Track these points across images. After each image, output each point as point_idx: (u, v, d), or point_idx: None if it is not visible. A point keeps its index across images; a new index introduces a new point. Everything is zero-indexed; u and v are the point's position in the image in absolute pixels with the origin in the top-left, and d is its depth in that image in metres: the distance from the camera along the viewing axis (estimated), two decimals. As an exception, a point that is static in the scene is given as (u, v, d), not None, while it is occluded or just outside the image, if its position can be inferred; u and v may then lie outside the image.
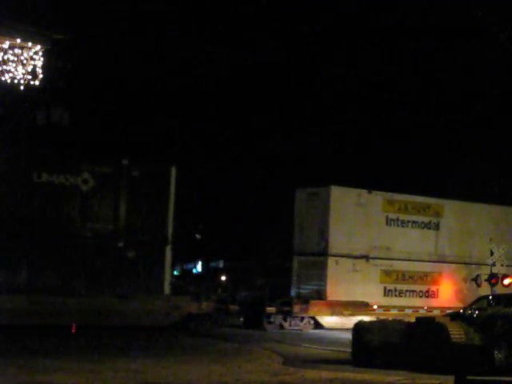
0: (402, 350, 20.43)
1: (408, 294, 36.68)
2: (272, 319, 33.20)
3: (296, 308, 33.35)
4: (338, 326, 33.00)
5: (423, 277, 37.18)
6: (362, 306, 34.28)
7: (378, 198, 36.08)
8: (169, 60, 43.36)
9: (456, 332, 19.96)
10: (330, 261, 34.47)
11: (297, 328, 33.13)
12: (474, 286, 36.13)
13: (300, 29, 45.03)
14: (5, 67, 18.80)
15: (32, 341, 24.27)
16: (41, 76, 19.22)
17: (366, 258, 35.34)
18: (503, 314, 20.74)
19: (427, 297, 37.19)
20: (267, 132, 47.36)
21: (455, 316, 22.14)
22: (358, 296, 34.47)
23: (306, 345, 26.94)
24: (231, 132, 47.76)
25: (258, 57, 45.35)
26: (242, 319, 34.50)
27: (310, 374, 19.18)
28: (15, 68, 18.86)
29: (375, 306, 34.54)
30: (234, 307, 33.96)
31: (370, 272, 35.49)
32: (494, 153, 45.66)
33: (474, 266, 37.65)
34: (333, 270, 34.45)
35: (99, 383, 16.83)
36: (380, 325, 22.02)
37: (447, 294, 37.53)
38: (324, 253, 34.60)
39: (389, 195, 36.60)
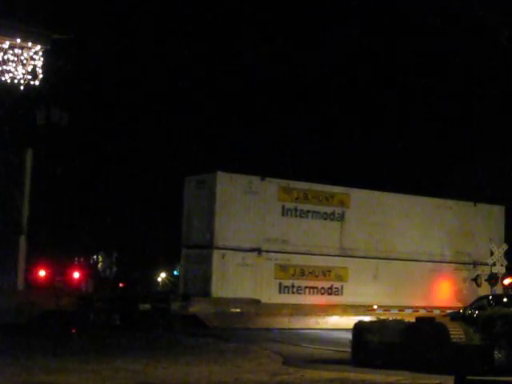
0: (402, 350, 20.43)
1: (308, 290, 34.05)
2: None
3: (174, 305, 30.63)
4: (225, 326, 30.52)
5: (326, 272, 34.58)
6: (253, 304, 31.85)
7: (272, 186, 33.28)
8: (168, 60, 43.38)
9: (456, 332, 19.95)
10: (216, 254, 31.77)
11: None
12: (474, 285, 36.31)
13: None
14: (5, 67, 18.81)
15: (32, 341, 24.28)
16: (41, 76, 19.22)
17: (259, 251, 32.71)
18: (503, 313, 20.72)
19: (330, 294, 34.61)
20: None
21: (455, 316, 22.14)
22: (249, 293, 31.99)
23: (306, 345, 26.93)
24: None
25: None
26: (117, 318, 30.94)
27: (310, 374, 19.17)
28: (15, 68, 18.87)
29: (375, 306, 34.45)
30: (100, 304, 30.52)
31: (263, 267, 32.80)
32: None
33: (383, 261, 36.05)
34: (219, 264, 31.75)
35: (99, 383, 16.83)
36: (380, 325, 22.00)
37: (354, 290, 34.98)
38: (209, 245, 31.89)
39: (285, 183, 33.82)
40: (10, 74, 18.86)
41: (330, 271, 34.67)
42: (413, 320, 22.30)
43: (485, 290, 35.12)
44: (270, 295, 32.78)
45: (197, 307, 30.99)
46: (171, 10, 43.84)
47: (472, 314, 21.60)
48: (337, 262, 35.01)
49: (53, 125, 39.34)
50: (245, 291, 32.01)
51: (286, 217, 33.71)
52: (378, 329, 21.50)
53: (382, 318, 28.05)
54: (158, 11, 43.01)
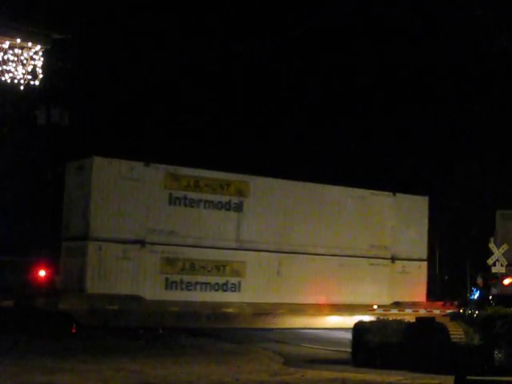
0: (402, 350, 20.44)
1: (199, 286, 31.28)
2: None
3: (39, 302, 28.28)
4: (101, 324, 28.23)
5: (220, 267, 31.76)
6: (134, 300, 29.39)
7: (158, 172, 30.63)
8: (168, 59, 43.36)
9: (456, 332, 19.96)
10: (91, 246, 29.07)
11: None
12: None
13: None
14: (5, 67, 18.81)
15: (33, 341, 24.28)
16: (41, 76, 19.22)
17: (142, 243, 29.97)
18: (503, 314, 20.73)
19: (225, 290, 31.79)
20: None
21: (455, 316, 22.13)
22: (130, 289, 29.55)
23: (306, 345, 26.94)
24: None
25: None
26: None
27: (310, 373, 19.18)
28: (15, 68, 18.87)
29: (375, 306, 34.40)
30: None
31: (147, 260, 30.17)
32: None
33: (288, 255, 33.40)
34: (95, 256, 29.09)
35: (99, 383, 16.83)
36: (380, 325, 22.00)
37: (254, 287, 32.46)
38: (84, 237, 29.26)
39: (173, 169, 31.09)
40: (10, 74, 18.87)
41: (225, 266, 31.79)
42: (413, 320, 22.32)
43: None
44: (154, 291, 30.12)
45: (68, 304, 28.38)
46: (171, 10, 43.85)
47: (472, 314, 21.58)
48: (233, 255, 32.06)
49: (53, 125, 39.37)
50: (126, 287, 29.35)
51: (173, 206, 30.92)
52: (378, 329, 21.50)
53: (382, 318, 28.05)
54: (157, 11, 43.01)
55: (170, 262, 30.65)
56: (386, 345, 20.82)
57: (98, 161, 29.50)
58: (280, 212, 33.49)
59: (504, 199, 42.18)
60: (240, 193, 32.47)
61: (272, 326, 31.99)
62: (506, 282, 33.29)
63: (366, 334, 21.36)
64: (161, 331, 29.18)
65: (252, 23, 44.35)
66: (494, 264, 33.71)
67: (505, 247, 34.28)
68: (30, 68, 19.02)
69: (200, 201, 31.61)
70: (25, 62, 18.92)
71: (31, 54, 18.97)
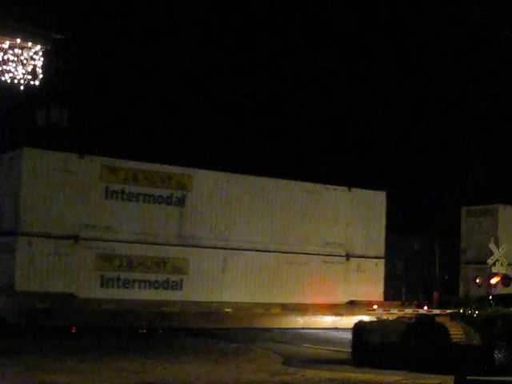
0: (402, 350, 20.43)
1: (138, 284, 29.96)
2: None
3: None
4: (33, 324, 27.01)
5: (161, 264, 30.47)
6: (66, 298, 28.08)
7: (93, 165, 29.23)
8: (167, 60, 43.37)
9: (456, 332, 19.95)
10: (21, 241, 27.76)
11: None
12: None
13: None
14: (5, 67, 18.84)
15: (32, 341, 24.29)
16: (41, 76, 19.24)
17: (76, 238, 28.62)
18: (503, 314, 20.73)
19: (166, 288, 30.46)
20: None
21: (455, 316, 22.13)
22: (63, 286, 28.20)
23: (306, 345, 26.93)
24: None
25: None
26: None
27: (310, 373, 19.17)
28: (15, 68, 18.90)
29: (375, 306, 34.38)
30: None
31: (82, 256, 28.81)
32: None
33: (234, 252, 32.03)
34: (24, 252, 27.75)
35: (99, 383, 16.83)
36: (380, 325, 22.01)
37: (197, 285, 31.08)
38: (14, 231, 28.06)
39: (110, 161, 29.72)
40: (10, 74, 18.90)
41: (165, 263, 30.46)
42: (413, 320, 22.31)
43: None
44: (90, 289, 28.79)
45: None
46: (171, 10, 43.85)
47: (472, 313, 21.58)
48: (175, 252, 30.75)
49: (53, 125, 39.36)
50: (58, 285, 28.05)
51: (110, 200, 29.53)
52: (378, 329, 21.50)
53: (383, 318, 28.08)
54: (158, 10, 43.02)
55: (106, 258, 29.36)
56: (386, 345, 20.82)
57: (28, 152, 28.22)
58: (225, 207, 32.10)
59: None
60: (182, 186, 31.07)
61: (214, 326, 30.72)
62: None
63: (366, 334, 21.36)
64: (161, 331, 29.18)
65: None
66: (494, 264, 33.77)
67: (505, 247, 34.30)
68: (29, 68, 19.04)
69: (139, 195, 30.25)
70: (25, 62, 18.95)
71: (31, 53, 19.01)
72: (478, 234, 38.94)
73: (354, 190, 35.43)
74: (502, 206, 38.79)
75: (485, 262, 36.64)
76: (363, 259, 35.34)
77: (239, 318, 31.55)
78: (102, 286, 29.13)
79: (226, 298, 31.76)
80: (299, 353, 24.69)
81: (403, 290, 42.60)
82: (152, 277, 30.23)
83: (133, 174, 30.12)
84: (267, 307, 32.20)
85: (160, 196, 30.56)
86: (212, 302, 31.28)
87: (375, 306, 34.19)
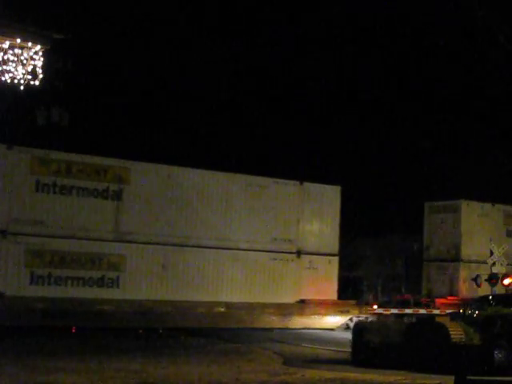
0: (402, 350, 20.44)
1: (71, 282, 28.44)
2: None
3: None
4: None
5: (96, 260, 28.96)
6: None
7: (23, 156, 28.04)
8: (167, 60, 43.39)
9: (456, 332, 19.96)
10: None
11: None
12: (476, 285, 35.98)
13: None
14: (5, 67, 18.82)
15: (32, 341, 24.30)
16: (41, 76, 19.23)
17: (3, 233, 27.46)
18: (503, 314, 20.74)
19: (101, 286, 28.95)
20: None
21: (455, 316, 22.14)
22: None
23: (306, 345, 26.94)
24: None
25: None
26: None
27: (310, 373, 19.18)
28: (15, 68, 18.88)
29: (375, 306, 34.32)
30: None
31: (10, 252, 27.48)
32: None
33: (175, 249, 30.53)
34: None
35: (99, 383, 16.84)
36: (380, 325, 22.05)
37: (135, 283, 29.72)
38: None
39: (41, 152, 28.40)
40: (10, 74, 18.87)
41: (101, 259, 28.95)
42: (413, 320, 22.32)
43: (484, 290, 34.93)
44: (18, 287, 27.39)
45: None
46: (171, 10, 43.88)
47: (472, 314, 21.59)
48: (111, 248, 29.24)
49: (53, 125, 39.34)
50: None
51: (41, 193, 28.14)
52: (378, 329, 21.53)
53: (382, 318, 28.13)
54: (158, 10, 43.06)
55: (36, 254, 27.89)
56: (386, 345, 20.83)
57: None
58: (165, 201, 30.54)
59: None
60: (119, 179, 29.59)
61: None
62: (506, 282, 33.20)
63: (366, 333, 21.38)
64: (161, 331, 29.19)
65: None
66: (494, 264, 33.72)
67: (505, 247, 34.26)
68: (30, 68, 19.03)
69: (72, 188, 28.84)
70: (25, 62, 18.93)
71: (31, 53, 18.98)
72: (441, 230, 37.81)
73: (306, 184, 33.89)
74: (466, 202, 37.57)
75: (448, 260, 36.64)
76: (316, 256, 33.76)
77: (180, 318, 30.00)
78: (31, 283, 27.72)
79: (166, 296, 30.15)
80: (299, 353, 24.71)
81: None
82: (86, 274, 28.74)
83: (65, 166, 28.80)
84: (211, 306, 30.62)
85: (95, 189, 29.16)
86: (151, 301, 29.71)
87: (375, 306, 34.19)
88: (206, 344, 26.20)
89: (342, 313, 33.24)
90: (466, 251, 37.02)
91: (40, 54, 19.09)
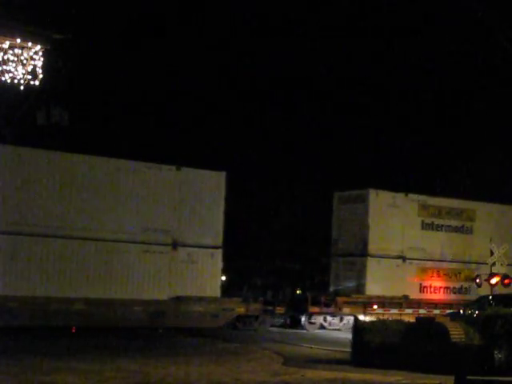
0: (402, 350, 20.44)
1: None
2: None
3: None
4: None
5: None
6: None
7: None
8: (166, 60, 43.40)
9: (456, 332, 19.97)
10: None
11: None
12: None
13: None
14: (5, 67, 18.81)
15: (33, 341, 24.30)
16: (41, 76, 19.23)
17: None
18: (503, 314, 20.74)
19: None
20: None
21: (455, 316, 22.16)
22: None
23: (306, 345, 26.94)
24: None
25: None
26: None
27: (310, 373, 19.18)
28: (15, 68, 18.87)
29: (375, 306, 34.32)
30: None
31: None
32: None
33: (25, 238, 27.42)
34: None
35: (99, 383, 16.84)
36: (380, 325, 22.02)
37: None
38: None
39: None
40: (10, 74, 18.87)
41: None
42: (413, 320, 22.33)
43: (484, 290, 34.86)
44: None
45: None
46: (171, 10, 43.90)
47: (472, 314, 21.61)
48: None
49: (53, 125, 39.36)
50: None
51: None
52: (378, 329, 21.51)
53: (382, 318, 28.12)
54: (158, 10, 43.06)
55: None
56: (386, 345, 20.83)
57: None
58: (12, 184, 27.60)
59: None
60: None
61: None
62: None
63: (366, 333, 21.37)
64: (161, 331, 29.20)
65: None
66: (494, 264, 33.68)
67: (505, 247, 34.19)
68: (30, 68, 19.02)
69: None
70: (25, 62, 18.92)
71: (31, 53, 18.96)
72: (349, 222, 35.42)
73: (184, 169, 30.91)
74: (374, 191, 35.11)
75: (356, 255, 34.80)
76: (195, 249, 30.70)
77: (29, 315, 27.01)
78: None
79: (14, 291, 27.13)
80: (299, 353, 24.70)
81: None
82: None
83: None
84: (67, 302, 27.81)
85: None
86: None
87: (375, 306, 34.20)
88: (205, 344, 26.20)
89: (225, 311, 30.89)
90: (375, 245, 34.89)
91: (40, 54, 19.08)
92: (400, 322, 22.71)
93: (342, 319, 34.15)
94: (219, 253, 31.35)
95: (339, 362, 21.86)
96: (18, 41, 18.79)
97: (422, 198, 36.86)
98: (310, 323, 33.80)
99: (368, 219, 34.86)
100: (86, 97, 40.62)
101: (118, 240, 29.18)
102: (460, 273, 37.74)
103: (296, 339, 28.72)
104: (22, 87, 19.18)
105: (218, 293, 31.19)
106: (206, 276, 30.91)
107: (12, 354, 20.87)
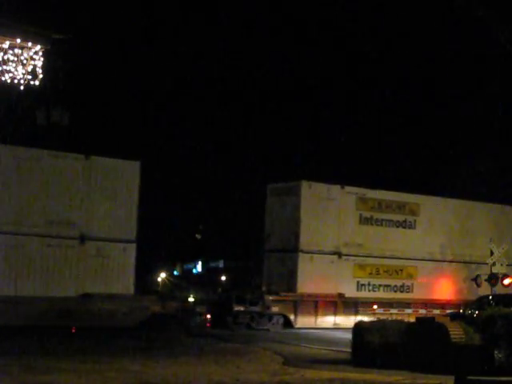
0: (402, 349, 20.44)
1: None
2: None
3: None
4: None
5: None
6: None
7: None
8: (166, 59, 43.44)
9: (456, 332, 19.97)
10: None
11: None
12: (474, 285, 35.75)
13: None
14: (5, 67, 18.81)
15: (32, 341, 24.29)
16: (41, 76, 19.23)
17: None
18: (503, 314, 20.73)
19: None
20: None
21: (455, 316, 22.15)
22: None
23: (306, 345, 26.93)
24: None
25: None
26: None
27: (310, 374, 19.18)
28: (15, 68, 18.87)
29: (375, 306, 34.21)
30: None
31: None
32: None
33: None
34: None
35: (99, 383, 16.84)
36: (380, 325, 22.01)
37: None
38: None
39: None
40: (10, 74, 18.87)
41: None
42: (413, 320, 22.33)
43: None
44: None
45: None
46: (171, 9, 43.95)
47: (472, 314, 21.60)
48: None
49: (53, 125, 39.36)
50: None
51: None
52: (378, 329, 21.51)
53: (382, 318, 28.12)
54: (158, 10, 43.14)
55: None
56: (386, 345, 20.83)
57: None
58: None
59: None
60: None
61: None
62: (506, 282, 33.13)
63: (366, 334, 21.37)
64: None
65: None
66: (494, 264, 33.67)
67: (505, 247, 34.18)
68: (30, 68, 19.02)
69: None
70: (25, 62, 18.92)
71: (31, 53, 18.96)
72: (282, 216, 33.55)
73: (93, 158, 29.46)
74: (307, 183, 33.27)
75: (288, 250, 32.95)
76: (106, 243, 29.33)
77: None
78: None
79: None
80: (299, 353, 24.69)
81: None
82: None
83: None
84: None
85: None
86: None
87: (375, 306, 34.12)
88: (205, 344, 26.19)
89: (138, 309, 29.42)
90: (307, 240, 33.03)
91: (40, 54, 19.08)
92: (400, 321, 22.70)
93: (270, 318, 32.23)
94: (132, 247, 29.94)
95: (339, 361, 21.85)
96: (18, 41, 18.79)
97: (361, 190, 34.93)
98: (236, 323, 31.72)
99: (300, 213, 33.00)
100: (86, 97, 40.63)
101: (18, 233, 27.66)
102: (402, 270, 35.87)
103: (296, 339, 28.71)
104: (21, 87, 19.18)
105: (131, 290, 29.85)
106: (117, 272, 29.47)
107: (12, 354, 20.86)
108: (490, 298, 26.65)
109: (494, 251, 33.69)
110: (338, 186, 34.24)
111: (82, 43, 34.34)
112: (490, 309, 21.91)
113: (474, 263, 37.01)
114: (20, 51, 18.86)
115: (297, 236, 33.01)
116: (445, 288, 36.65)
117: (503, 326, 19.95)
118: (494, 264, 33.63)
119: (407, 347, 20.40)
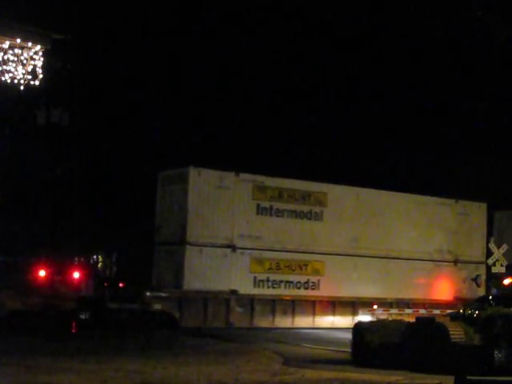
0: (402, 350, 20.44)
1: None
2: None
3: None
4: None
5: None
6: None
7: None
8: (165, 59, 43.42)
9: (456, 332, 19.97)
10: None
11: None
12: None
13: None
14: (5, 67, 18.81)
15: (32, 341, 24.30)
16: (41, 76, 19.24)
17: None
18: (503, 314, 20.74)
19: None
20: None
21: (455, 316, 22.15)
22: None
23: (306, 345, 26.93)
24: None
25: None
26: None
27: (310, 374, 19.18)
28: (15, 68, 18.87)
29: (375, 306, 34.14)
30: None
31: None
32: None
33: None
34: None
35: (99, 383, 16.83)
36: (380, 325, 22.02)
37: None
38: None
39: None
40: (10, 74, 18.87)
41: None
42: (413, 320, 22.31)
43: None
44: None
45: None
46: (171, 10, 43.91)
47: (472, 314, 21.60)
48: None
49: (53, 125, 39.38)
50: None
51: None
52: (378, 329, 21.52)
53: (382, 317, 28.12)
54: (158, 10, 43.08)
55: None
56: (386, 345, 20.83)
57: None
58: None
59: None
60: None
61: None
62: (506, 282, 33.12)
63: (366, 334, 21.37)
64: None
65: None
66: (494, 264, 33.68)
67: (505, 247, 34.21)
68: (30, 68, 19.02)
69: None
70: (25, 62, 18.92)
71: (31, 53, 18.96)
72: (171, 206, 31.37)
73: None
74: (196, 170, 30.78)
75: (175, 243, 30.54)
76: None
77: None
78: None
79: None
80: (299, 353, 24.69)
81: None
82: None
83: None
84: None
85: None
86: None
87: (375, 306, 34.09)
88: (206, 344, 26.18)
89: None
90: (195, 232, 30.59)
91: (40, 54, 19.08)
92: (400, 321, 22.69)
93: (152, 317, 29.63)
94: None
95: (339, 362, 21.86)
96: (18, 41, 18.80)
97: (258, 178, 32.17)
98: (116, 322, 29.06)
99: (187, 202, 30.54)
100: (86, 97, 40.64)
101: None
102: (307, 265, 33.14)
103: (296, 339, 28.70)
104: (21, 87, 19.19)
105: None
106: None
107: (12, 353, 20.86)
108: (490, 298, 26.67)
109: (493, 251, 33.72)
110: (232, 173, 31.59)
111: (81, 43, 34.37)
112: (490, 309, 21.91)
113: (390, 258, 34.65)
114: (20, 51, 18.86)
115: (184, 227, 30.57)
116: (355, 284, 34.05)
117: (503, 326, 19.96)
118: (494, 264, 33.65)
119: (407, 347, 20.40)
